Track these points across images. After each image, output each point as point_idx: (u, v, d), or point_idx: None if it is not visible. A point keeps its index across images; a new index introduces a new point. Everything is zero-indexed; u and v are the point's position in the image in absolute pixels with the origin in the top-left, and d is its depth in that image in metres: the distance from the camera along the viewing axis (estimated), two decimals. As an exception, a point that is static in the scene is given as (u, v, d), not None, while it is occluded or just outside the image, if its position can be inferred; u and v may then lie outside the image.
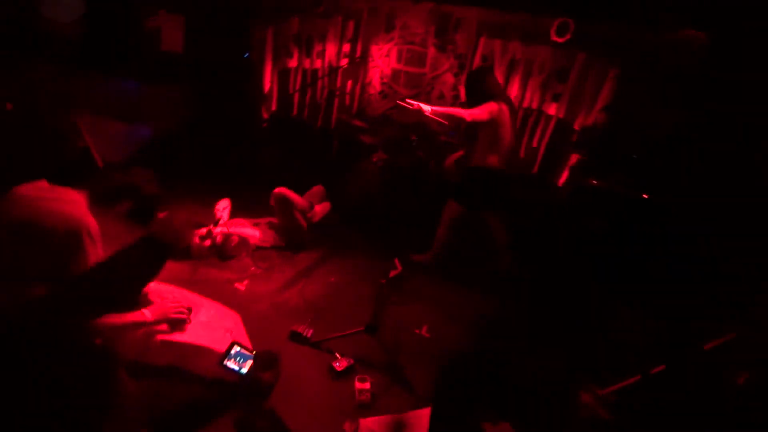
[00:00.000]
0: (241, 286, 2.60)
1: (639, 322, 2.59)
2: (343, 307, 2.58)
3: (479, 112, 2.64)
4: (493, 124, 2.71)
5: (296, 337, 2.17)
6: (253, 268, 2.83)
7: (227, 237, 2.92)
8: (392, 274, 2.91)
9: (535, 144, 3.88)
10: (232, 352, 1.02)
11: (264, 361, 1.02)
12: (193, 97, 4.79)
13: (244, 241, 2.94)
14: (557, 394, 1.86)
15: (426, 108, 2.60)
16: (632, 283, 3.06)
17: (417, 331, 2.46)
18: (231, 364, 1.00)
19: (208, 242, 2.86)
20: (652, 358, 1.89)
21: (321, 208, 3.33)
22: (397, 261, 3.03)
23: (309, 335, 2.19)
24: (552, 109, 3.72)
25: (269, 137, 5.28)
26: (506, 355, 2.35)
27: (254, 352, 1.04)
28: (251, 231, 3.03)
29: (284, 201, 3.01)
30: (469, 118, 2.63)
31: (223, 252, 2.87)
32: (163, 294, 1.75)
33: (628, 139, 3.34)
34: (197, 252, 2.80)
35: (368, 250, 3.42)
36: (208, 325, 1.78)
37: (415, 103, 2.58)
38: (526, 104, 3.83)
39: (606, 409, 1.61)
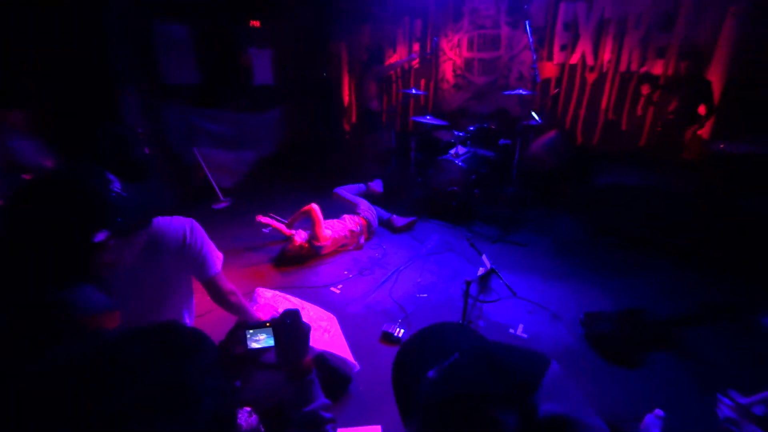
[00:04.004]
0: (336, 290, 2.79)
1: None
2: (433, 307, 2.59)
3: None
4: None
5: (388, 338, 2.25)
6: (346, 272, 3.01)
7: (312, 235, 3.15)
8: (481, 272, 2.83)
9: (639, 112, 3.36)
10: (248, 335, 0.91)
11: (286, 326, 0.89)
12: (287, 120, 5.30)
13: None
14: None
15: None
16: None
17: (512, 330, 2.34)
18: (255, 344, 0.90)
19: (303, 246, 3.12)
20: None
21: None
22: (485, 258, 2.93)
23: (400, 335, 2.25)
24: (658, 67, 3.18)
25: (352, 147, 5.56)
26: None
27: (268, 324, 0.92)
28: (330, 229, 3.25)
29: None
30: None
31: (314, 247, 3.13)
32: (268, 297, 2.00)
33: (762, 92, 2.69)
34: (294, 256, 3.11)
35: (454, 247, 3.37)
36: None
37: None
38: (623, 68, 3.34)
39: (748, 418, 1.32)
